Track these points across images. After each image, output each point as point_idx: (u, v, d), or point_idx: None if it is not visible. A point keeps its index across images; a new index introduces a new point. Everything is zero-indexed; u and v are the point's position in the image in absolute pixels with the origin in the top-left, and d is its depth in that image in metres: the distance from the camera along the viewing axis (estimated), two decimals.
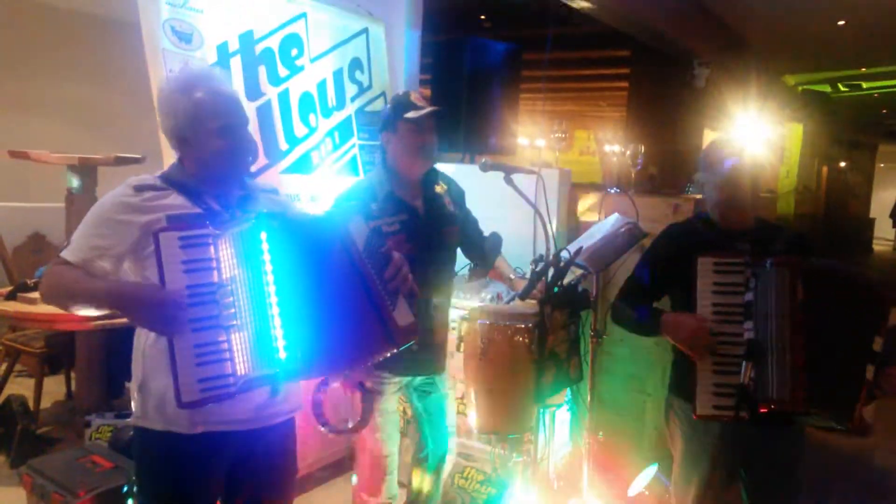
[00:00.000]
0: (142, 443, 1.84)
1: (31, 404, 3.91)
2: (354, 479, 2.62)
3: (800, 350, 2.03)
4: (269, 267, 1.63)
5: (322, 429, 1.90)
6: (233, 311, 1.61)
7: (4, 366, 4.28)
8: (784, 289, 2.06)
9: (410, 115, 2.37)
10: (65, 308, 1.75)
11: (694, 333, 2.12)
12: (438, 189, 2.55)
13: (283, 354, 1.61)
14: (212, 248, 1.62)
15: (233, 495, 1.93)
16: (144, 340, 1.77)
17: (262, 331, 1.62)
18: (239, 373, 1.60)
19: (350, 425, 1.96)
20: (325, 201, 3.32)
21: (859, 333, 2.03)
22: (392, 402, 2.52)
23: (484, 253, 2.61)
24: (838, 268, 2.12)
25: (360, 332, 1.74)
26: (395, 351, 1.79)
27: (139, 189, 1.75)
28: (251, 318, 1.62)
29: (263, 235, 1.63)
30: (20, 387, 4.13)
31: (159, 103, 1.84)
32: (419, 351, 2.42)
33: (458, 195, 2.65)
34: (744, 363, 2.03)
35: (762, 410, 2.04)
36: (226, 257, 1.63)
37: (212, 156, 1.79)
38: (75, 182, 3.76)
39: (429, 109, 2.38)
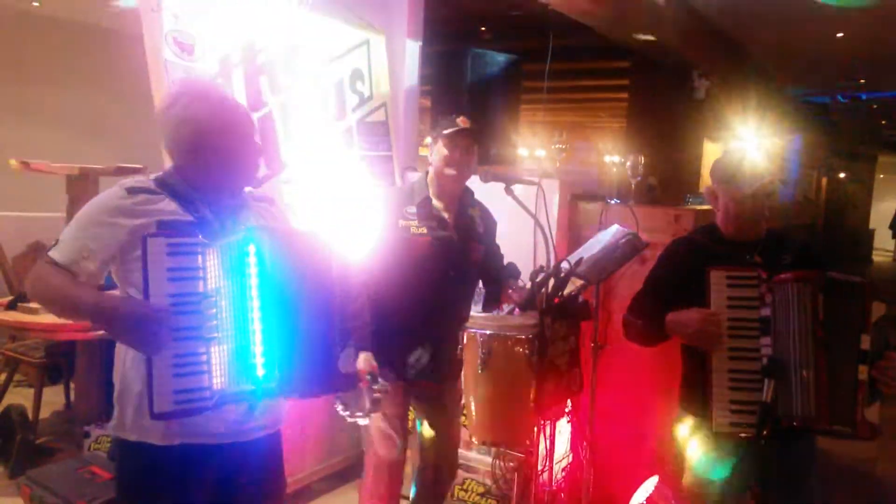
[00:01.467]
0: (120, 453, 1.81)
1: (30, 414, 3.91)
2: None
3: (822, 366, 2.01)
4: (254, 281, 1.62)
5: (338, 407, 1.89)
6: (215, 322, 1.60)
7: (4, 375, 4.27)
8: (805, 305, 2.04)
9: (447, 130, 2.51)
10: (48, 310, 1.75)
11: (702, 325, 2.11)
12: (472, 211, 2.68)
13: (261, 371, 1.60)
14: (199, 258, 1.61)
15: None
16: (123, 352, 1.75)
17: (242, 345, 1.61)
18: (215, 387, 1.59)
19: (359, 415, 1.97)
20: (326, 211, 3.33)
21: (853, 336, 2.03)
22: (398, 407, 2.54)
23: (500, 285, 2.70)
24: (852, 280, 2.10)
25: (331, 359, 1.73)
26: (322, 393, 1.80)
27: (132, 192, 1.72)
28: (232, 332, 1.61)
29: (251, 248, 1.62)
30: (19, 397, 4.12)
31: (159, 113, 1.82)
32: (429, 359, 2.48)
33: (490, 223, 2.75)
34: (766, 380, 2.02)
35: (784, 427, 2.02)
36: (212, 268, 1.62)
37: (207, 167, 1.77)
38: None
39: (459, 125, 2.51)
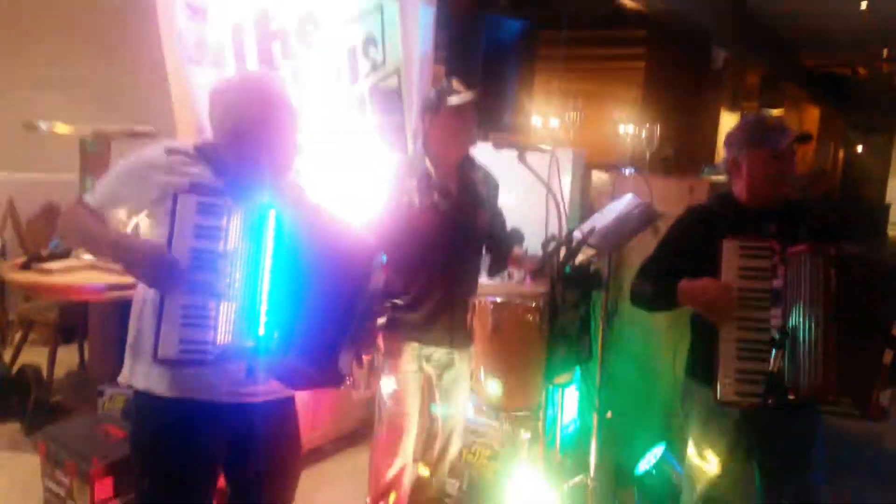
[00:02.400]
0: (135, 403, 1.88)
1: (45, 374, 3.97)
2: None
3: (832, 339, 2.00)
4: (269, 245, 1.68)
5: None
6: (228, 281, 1.67)
7: (19, 335, 4.33)
8: (817, 277, 2.03)
9: (453, 99, 2.46)
10: (72, 244, 1.85)
11: (716, 295, 2.10)
12: (474, 175, 2.64)
13: (262, 331, 1.67)
14: (224, 219, 1.68)
15: (234, 471, 1.96)
16: (141, 302, 1.81)
17: (250, 304, 1.68)
18: (219, 342, 1.66)
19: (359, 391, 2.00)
20: (338, 177, 3.33)
21: (879, 319, 2.02)
22: (411, 363, 2.56)
23: (505, 249, 2.69)
24: (866, 255, 2.09)
25: (339, 331, 1.78)
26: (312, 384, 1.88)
27: (170, 152, 1.81)
28: (242, 291, 1.68)
29: (272, 213, 1.68)
30: (34, 356, 4.18)
31: (211, 93, 1.90)
32: (441, 324, 2.49)
33: (492, 186, 2.71)
34: (774, 350, 2.01)
35: (791, 398, 2.03)
36: (234, 229, 1.68)
37: (243, 153, 1.83)
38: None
39: (469, 95, 2.46)
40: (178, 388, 1.78)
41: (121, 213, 1.82)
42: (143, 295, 1.80)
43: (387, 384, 2.57)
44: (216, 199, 1.68)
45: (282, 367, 1.75)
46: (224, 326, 1.66)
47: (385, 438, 2.61)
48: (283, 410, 1.99)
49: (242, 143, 1.82)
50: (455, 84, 2.52)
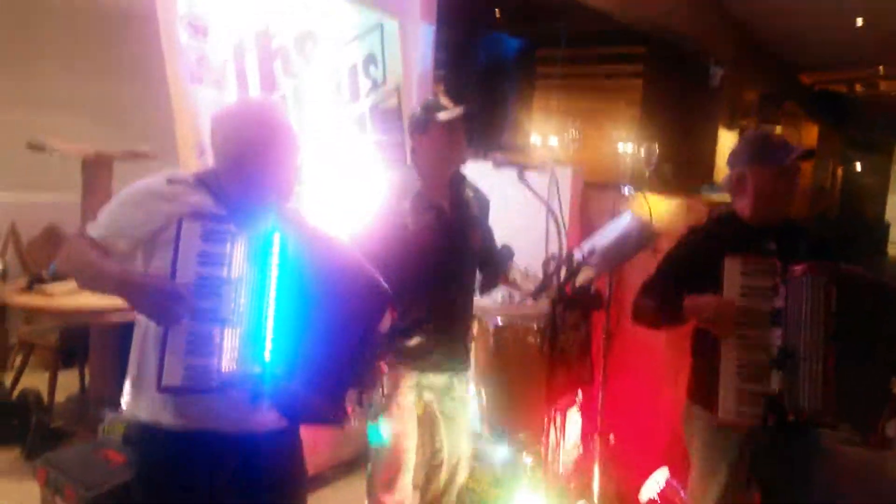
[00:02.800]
0: (135, 436, 1.88)
1: (45, 398, 3.94)
2: (369, 470, 2.62)
3: (831, 361, 2.00)
4: (274, 271, 1.69)
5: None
6: (232, 307, 1.67)
7: (19, 359, 4.31)
8: (818, 297, 2.03)
9: (441, 115, 2.41)
10: (76, 280, 1.83)
11: (719, 309, 2.10)
12: (466, 194, 2.59)
13: (267, 357, 1.67)
14: (228, 246, 1.68)
15: (238, 500, 1.92)
16: (143, 332, 1.81)
17: (255, 331, 1.68)
18: (223, 369, 1.65)
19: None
20: (338, 195, 3.33)
21: (887, 345, 2.01)
22: (409, 396, 2.52)
23: (496, 267, 2.66)
24: (868, 276, 2.09)
25: (345, 359, 1.78)
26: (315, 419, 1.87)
27: (171, 181, 1.82)
28: (247, 317, 1.68)
29: (276, 238, 1.69)
30: (35, 380, 4.16)
31: (213, 119, 1.90)
32: (440, 347, 2.46)
33: (483, 203, 2.68)
34: (774, 371, 2.01)
35: (790, 419, 2.02)
36: (238, 255, 1.69)
37: (244, 180, 1.83)
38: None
39: (458, 111, 2.41)
40: (185, 418, 1.77)
41: (122, 245, 1.78)
42: (146, 323, 1.79)
43: (385, 423, 2.52)
44: (220, 225, 1.69)
45: (286, 396, 1.74)
46: (229, 353, 1.66)
47: (383, 475, 2.57)
48: (289, 441, 1.98)
49: (244, 168, 1.82)
50: (443, 99, 2.49)
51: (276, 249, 1.69)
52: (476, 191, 2.66)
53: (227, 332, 1.66)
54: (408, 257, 2.38)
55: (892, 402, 1.99)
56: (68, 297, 3.35)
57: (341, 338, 1.77)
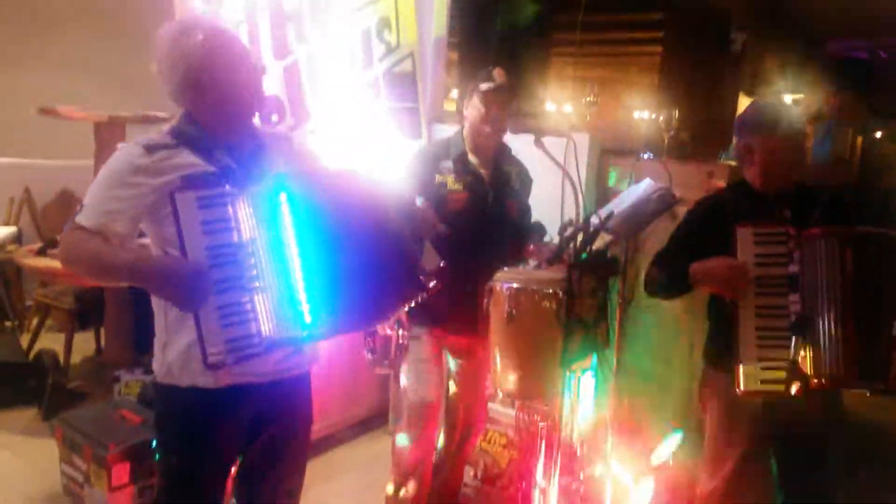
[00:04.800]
0: (165, 399, 1.84)
1: (61, 359, 3.99)
2: (398, 437, 2.65)
3: (851, 323, 1.98)
4: (289, 228, 1.60)
5: (368, 356, 1.92)
6: (255, 272, 1.60)
7: (36, 321, 4.36)
8: (833, 260, 2.01)
9: (483, 86, 2.48)
10: (84, 275, 1.76)
11: (731, 271, 2.08)
12: (508, 168, 2.64)
13: (308, 318, 1.60)
14: (230, 208, 1.60)
15: (252, 445, 1.94)
16: (164, 304, 1.75)
17: (287, 294, 1.61)
18: (264, 333, 1.61)
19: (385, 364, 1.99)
20: (354, 162, 3.30)
21: (888, 292, 1.99)
22: (428, 350, 2.56)
23: (525, 240, 2.67)
24: (883, 234, 2.06)
25: (387, 282, 1.75)
26: (424, 295, 1.85)
27: (150, 149, 1.71)
28: (274, 281, 1.61)
29: (283, 196, 1.60)
30: (51, 342, 4.21)
31: (162, 52, 1.74)
32: (465, 311, 2.46)
33: (526, 181, 2.72)
34: (793, 337, 1.99)
35: (813, 385, 2.00)
36: (244, 218, 1.61)
37: (209, 103, 1.74)
38: None
39: (495, 83, 2.47)
40: (226, 377, 1.73)
41: (118, 227, 1.67)
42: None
43: (407, 374, 2.55)
44: (214, 187, 1.61)
45: (335, 334, 1.75)
46: (264, 316, 1.61)
47: (408, 427, 2.60)
48: (304, 382, 1.99)
49: (202, 92, 1.72)
50: (496, 72, 2.52)
51: (284, 204, 1.61)
52: (520, 166, 2.70)
53: (258, 297, 1.60)
54: (442, 215, 2.36)
55: None
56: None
57: (369, 252, 1.72)
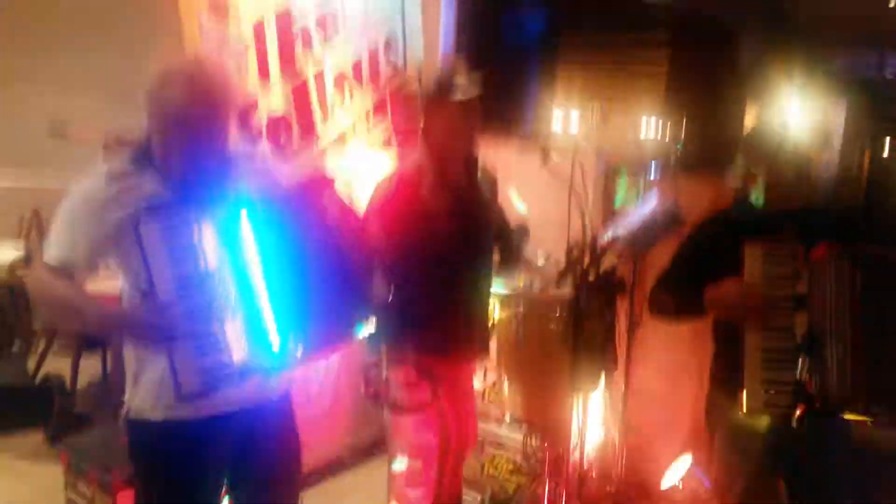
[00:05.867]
0: (139, 436, 1.81)
1: (68, 383, 3.97)
2: (396, 465, 2.59)
3: (860, 345, 1.96)
4: (252, 250, 1.63)
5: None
6: (223, 300, 1.62)
7: (42, 344, 4.34)
8: (842, 281, 1.99)
9: (457, 94, 2.29)
10: (53, 322, 1.77)
11: (744, 296, 2.04)
12: (477, 178, 2.50)
13: (276, 346, 1.63)
14: (195, 236, 1.61)
15: (238, 478, 1.92)
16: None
17: (253, 317, 1.63)
18: (237, 361, 1.62)
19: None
20: (360, 181, 3.30)
21: None
22: (426, 388, 2.45)
23: (511, 245, 2.59)
24: (891, 255, 2.03)
25: (343, 304, 1.76)
26: (370, 318, 1.84)
27: (112, 180, 1.69)
28: (241, 305, 1.63)
29: (243, 214, 1.63)
30: (58, 366, 4.19)
31: (148, 91, 1.74)
32: (461, 332, 2.41)
33: (492, 182, 2.59)
34: (800, 358, 1.96)
35: (819, 407, 1.98)
36: (209, 242, 1.62)
37: (172, 148, 1.70)
38: None
39: (476, 89, 2.31)
40: (202, 409, 1.72)
41: (82, 260, 1.66)
42: None
43: (407, 422, 2.49)
44: (178, 217, 1.60)
45: (305, 360, 1.74)
46: (236, 344, 1.62)
47: (409, 468, 2.53)
48: (284, 406, 1.96)
49: (169, 138, 1.68)
50: (459, 78, 2.33)
51: (245, 225, 1.62)
52: (483, 169, 2.55)
53: (228, 324, 1.61)
54: (426, 239, 2.32)
55: None
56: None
57: (336, 272, 1.73)
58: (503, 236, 2.61)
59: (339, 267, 1.75)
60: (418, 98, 2.49)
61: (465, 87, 2.29)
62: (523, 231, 2.60)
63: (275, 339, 1.63)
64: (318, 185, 1.84)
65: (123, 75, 5.54)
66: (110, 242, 1.68)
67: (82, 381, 4.14)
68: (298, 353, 1.68)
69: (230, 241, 1.62)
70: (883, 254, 2.03)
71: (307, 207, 1.77)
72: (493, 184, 2.58)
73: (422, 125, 2.39)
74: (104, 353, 4.36)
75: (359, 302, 1.80)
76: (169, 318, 1.56)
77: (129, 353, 1.76)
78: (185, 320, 1.57)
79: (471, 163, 2.47)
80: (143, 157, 1.73)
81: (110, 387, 4.05)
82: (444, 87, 2.32)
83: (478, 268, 2.48)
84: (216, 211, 1.64)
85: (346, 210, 1.85)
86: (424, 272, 2.33)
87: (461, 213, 2.38)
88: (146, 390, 1.73)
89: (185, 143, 1.68)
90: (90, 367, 4.33)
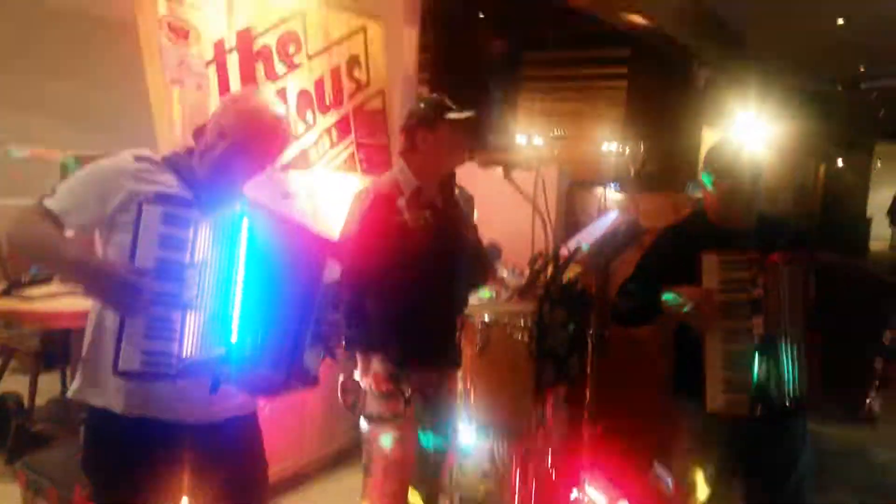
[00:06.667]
0: (88, 419, 1.81)
1: (25, 402, 3.89)
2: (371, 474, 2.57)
3: (815, 345, 2.05)
4: (243, 253, 1.64)
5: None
6: (195, 292, 1.61)
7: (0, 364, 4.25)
8: (796, 285, 2.08)
9: (452, 115, 2.40)
10: (26, 257, 1.77)
11: (699, 300, 2.12)
12: (454, 193, 2.57)
13: (234, 338, 1.62)
14: (191, 231, 1.62)
15: (203, 492, 1.89)
16: (97, 313, 1.74)
17: (221, 312, 1.63)
18: (184, 355, 1.60)
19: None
20: (322, 199, 3.31)
21: (868, 326, 2.05)
22: (405, 403, 2.46)
23: (483, 264, 2.65)
24: (846, 263, 2.14)
25: (294, 343, 1.73)
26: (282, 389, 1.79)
27: (138, 159, 1.76)
28: (212, 301, 1.63)
29: (245, 222, 1.65)
30: (15, 384, 4.11)
31: (223, 102, 1.92)
32: (438, 343, 2.45)
33: (468, 200, 2.67)
34: (758, 359, 2.04)
35: (778, 405, 2.06)
36: (202, 240, 1.63)
37: (218, 165, 1.79)
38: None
39: (470, 113, 2.42)
40: (137, 406, 1.71)
41: (81, 219, 1.70)
42: (96, 315, 1.73)
43: (387, 435, 2.47)
44: (183, 210, 1.63)
45: (249, 376, 1.71)
46: (189, 339, 1.60)
47: (383, 485, 2.51)
48: (247, 429, 1.94)
49: (227, 155, 1.78)
50: (447, 101, 2.47)
51: (244, 233, 1.64)
52: (460, 188, 2.63)
53: (189, 317, 1.60)
54: (404, 254, 2.36)
55: (875, 378, 2.03)
56: (48, 301, 3.31)
57: (294, 303, 1.72)
58: (476, 253, 2.66)
59: (309, 306, 1.75)
60: (408, 118, 2.52)
61: (458, 109, 2.41)
62: (496, 251, 2.66)
63: (232, 334, 1.62)
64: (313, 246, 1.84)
65: (82, 98, 5.51)
66: (112, 209, 1.70)
67: (41, 399, 4.06)
68: (248, 358, 1.67)
69: (224, 239, 1.65)
70: (832, 260, 2.12)
71: (296, 242, 1.79)
72: (469, 202, 2.65)
73: (409, 142, 2.47)
74: (63, 370, 4.29)
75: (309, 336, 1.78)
76: (141, 284, 1.54)
77: (86, 340, 1.75)
78: (151, 302, 1.57)
79: (448, 179, 2.54)
80: (171, 160, 1.82)
81: (69, 404, 3.98)
82: (439, 107, 2.43)
83: (454, 281, 2.53)
84: (221, 215, 1.67)
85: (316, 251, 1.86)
86: (401, 284, 2.37)
87: (438, 227, 2.44)
88: (92, 372, 1.73)
89: (233, 166, 1.79)
90: (49, 385, 4.26)
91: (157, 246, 1.58)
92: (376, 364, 2.38)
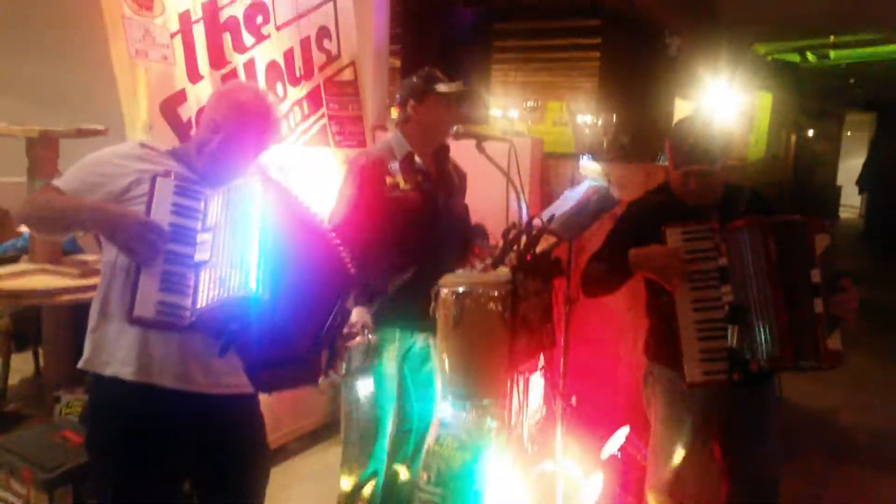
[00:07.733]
0: (94, 388, 1.84)
1: None
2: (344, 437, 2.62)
3: (782, 306, 2.08)
4: (256, 219, 1.67)
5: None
6: (208, 253, 1.67)
7: None
8: (758, 249, 2.11)
9: (443, 87, 2.50)
10: (43, 229, 1.84)
11: (667, 258, 2.15)
12: (448, 165, 2.68)
13: (253, 284, 1.64)
14: (202, 203, 1.71)
15: (202, 472, 1.93)
16: (109, 275, 1.78)
17: (239, 262, 1.65)
18: (198, 305, 1.64)
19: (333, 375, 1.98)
20: (294, 171, 3.28)
21: (803, 272, 2.09)
22: (391, 366, 2.56)
23: (467, 240, 2.71)
24: (799, 220, 2.16)
25: (308, 337, 1.79)
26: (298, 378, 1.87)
27: (144, 146, 1.87)
28: (227, 256, 1.66)
29: (258, 188, 1.71)
30: None
31: (211, 96, 1.98)
32: (421, 310, 2.44)
33: (462, 177, 2.75)
34: (729, 327, 2.07)
35: (754, 369, 2.09)
36: (214, 210, 1.70)
37: (213, 150, 1.84)
38: None
39: (459, 85, 2.53)
40: (145, 373, 1.74)
41: (93, 198, 1.75)
42: (114, 266, 1.75)
43: (364, 386, 2.54)
44: (193, 185, 1.73)
45: (256, 367, 1.73)
46: (203, 293, 1.64)
47: (357, 443, 2.58)
48: (248, 407, 1.97)
49: (213, 142, 1.84)
50: (439, 73, 2.55)
51: (257, 202, 1.69)
52: (455, 164, 2.72)
53: (203, 274, 1.66)
54: (397, 216, 2.43)
55: (820, 322, 2.07)
56: (19, 279, 3.27)
57: (310, 295, 1.77)
58: (467, 229, 2.73)
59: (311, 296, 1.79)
60: (400, 90, 2.62)
61: (448, 82, 2.51)
62: (481, 231, 2.72)
63: (251, 280, 1.63)
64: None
65: (44, 74, 5.38)
66: (119, 188, 1.76)
67: (14, 379, 4.03)
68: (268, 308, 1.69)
69: (238, 203, 1.70)
70: (789, 220, 2.15)
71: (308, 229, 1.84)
72: (463, 178, 2.73)
73: (402, 114, 2.57)
74: (36, 350, 4.25)
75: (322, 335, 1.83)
76: (158, 234, 1.62)
77: (95, 307, 1.79)
78: (165, 260, 1.63)
79: (441, 151, 2.63)
80: (173, 152, 1.92)
81: (43, 384, 3.95)
82: (430, 79, 2.52)
83: (443, 247, 2.57)
84: (231, 187, 1.75)
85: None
86: (393, 246, 2.41)
87: (430, 193, 2.53)
88: (102, 342, 1.76)
89: (230, 158, 1.85)
90: (22, 365, 4.22)
91: (170, 213, 1.66)
92: (359, 313, 2.41)
